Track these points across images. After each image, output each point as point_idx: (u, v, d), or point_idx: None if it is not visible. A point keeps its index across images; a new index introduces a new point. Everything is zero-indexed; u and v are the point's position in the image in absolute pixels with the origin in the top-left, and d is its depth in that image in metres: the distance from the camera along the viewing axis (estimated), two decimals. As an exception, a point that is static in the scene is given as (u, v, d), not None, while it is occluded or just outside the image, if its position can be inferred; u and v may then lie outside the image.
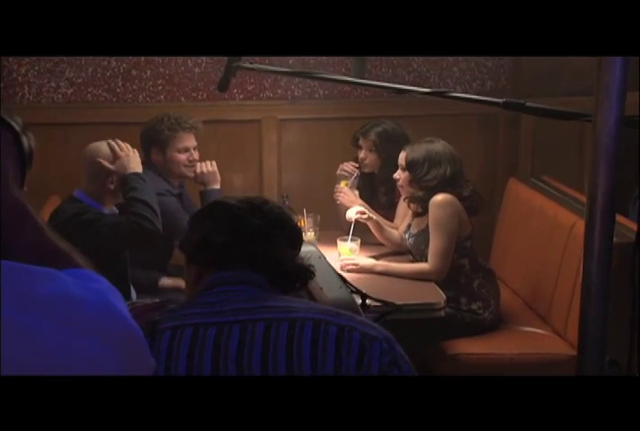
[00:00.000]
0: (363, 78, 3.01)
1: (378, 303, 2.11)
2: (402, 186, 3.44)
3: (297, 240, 1.74)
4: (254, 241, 1.65)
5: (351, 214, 3.51)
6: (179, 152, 3.55)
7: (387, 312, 1.96)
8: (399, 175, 3.41)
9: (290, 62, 4.17)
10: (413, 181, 3.36)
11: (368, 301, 2.00)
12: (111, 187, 3.15)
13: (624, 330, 1.30)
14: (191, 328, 1.54)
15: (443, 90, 1.92)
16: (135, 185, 3.06)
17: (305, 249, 1.80)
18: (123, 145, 3.18)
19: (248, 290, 1.61)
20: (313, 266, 1.71)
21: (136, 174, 3.09)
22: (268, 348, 1.50)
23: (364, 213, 3.53)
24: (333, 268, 1.86)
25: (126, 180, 3.08)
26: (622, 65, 1.29)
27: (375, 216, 3.59)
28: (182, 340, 1.53)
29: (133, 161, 3.14)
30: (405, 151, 3.38)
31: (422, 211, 3.39)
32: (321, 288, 1.75)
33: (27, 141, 1.18)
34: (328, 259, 3.43)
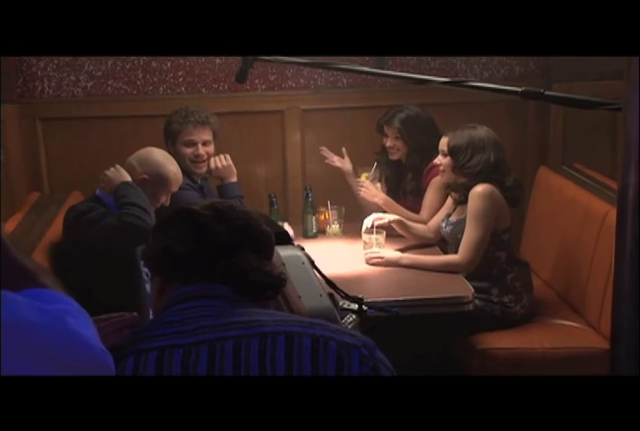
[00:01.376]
0: (383, 69, 2.97)
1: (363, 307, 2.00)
2: (443, 171, 3.38)
3: (266, 246, 1.64)
4: (219, 251, 1.57)
5: (368, 222, 3.45)
6: (185, 145, 3.52)
7: (385, 319, 1.87)
8: (440, 161, 3.36)
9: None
10: (455, 168, 3.30)
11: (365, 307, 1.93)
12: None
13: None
14: (155, 351, 1.45)
15: (461, 79, 1.88)
16: (123, 192, 3.04)
17: (290, 253, 1.74)
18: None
19: (214, 305, 1.53)
20: (284, 273, 1.62)
21: (124, 183, 3.07)
22: (240, 368, 1.42)
23: (382, 218, 3.47)
24: (316, 275, 1.75)
25: (116, 191, 3.06)
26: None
27: (394, 217, 3.52)
28: (147, 366, 1.44)
29: (120, 172, 3.12)
30: (447, 136, 3.33)
31: (463, 199, 3.32)
32: (299, 297, 1.65)
33: None
34: (353, 251, 3.47)
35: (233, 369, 1.41)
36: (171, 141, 3.53)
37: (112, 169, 3.13)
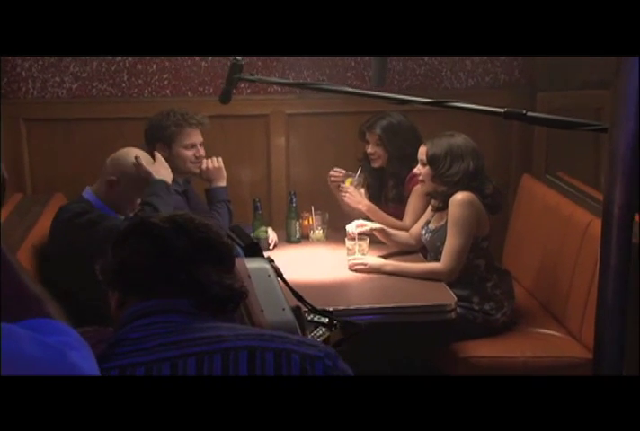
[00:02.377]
0: (384, 78, 2.97)
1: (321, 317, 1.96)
2: (423, 181, 3.37)
3: (227, 259, 1.62)
4: (179, 265, 1.54)
5: (352, 228, 3.45)
6: (185, 148, 3.49)
7: (352, 334, 1.86)
8: (419, 170, 3.35)
9: (299, 59, 4.11)
10: (435, 177, 3.30)
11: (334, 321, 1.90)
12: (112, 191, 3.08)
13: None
14: (116, 370, 1.42)
15: (443, 100, 1.88)
16: (160, 193, 3.00)
17: (257, 266, 1.72)
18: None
19: (174, 320, 1.50)
20: (244, 286, 1.60)
21: (164, 183, 3.04)
22: None
23: (364, 225, 3.47)
24: (281, 288, 1.73)
25: (151, 184, 3.02)
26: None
27: (377, 225, 3.52)
28: None
29: (167, 169, 3.14)
30: (426, 145, 3.32)
31: (442, 206, 3.32)
32: (262, 310, 1.64)
33: None
34: (337, 257, 3.46)
35: None
36: (165, 144, 3.46)
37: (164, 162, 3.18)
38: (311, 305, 1.86)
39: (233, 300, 1.58)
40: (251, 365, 1.41)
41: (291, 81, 2.67)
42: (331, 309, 1.90)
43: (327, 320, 1.86)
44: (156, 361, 1.42)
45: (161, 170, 3.18)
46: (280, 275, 1.78)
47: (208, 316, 1.54)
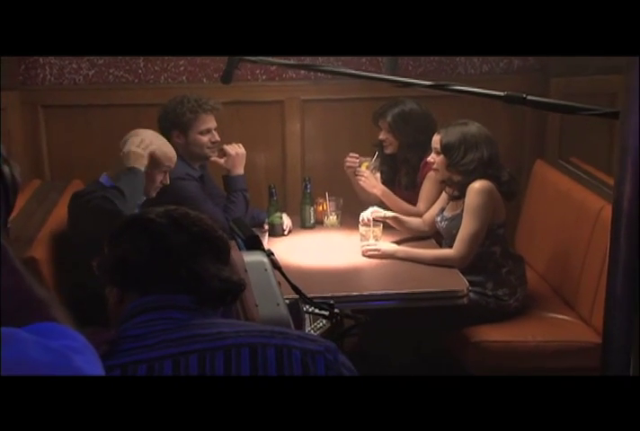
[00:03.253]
0: (397, 65, 2.96)
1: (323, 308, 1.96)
2: (437, 169, 3.36)
3: (223, 252, 1.61)
4: (177, 260, 1.53)
5: (366, 214, 3.45)
6: (201, 134, 3.51)
7: (353, 326, 1.85)
8: (433, 159, 3.34)
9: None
10: (449, 165, 3.29)
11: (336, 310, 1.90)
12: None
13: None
14: (118, 368, 1.40)
15: (445, 83, 1.86)
16: (122, 176, 3.02)
17: (254, 259, 1.70)
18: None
19: (175, 316, 1.48)
20: (242, 279, 1.59)
21: (130, 168, 3.05)
22: None
23: (378, 212, 3.48)
24: (276, 283, 1.71)
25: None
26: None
27: (390, 213, 3.53)
28: None
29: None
30: (439, 134, 3.31)
31: (458, 195, 3.32)
32: (256, 305, 1.63)
33: (10, 172, 1.09)
34: (350, 243, 3.47)
35: None
36: (181, 132, 3.49)
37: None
38: (309, 299, 1.84)
39: (231, 292, 1.57)
40: (253, 361, 1.40)
41: (293, 62, 2.68)
42: (332, 301, 1.88)
43: (328, 312, 1.85)
44: (158, 358, 1.41)
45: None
46: (278, 268, 1.77)
47: (208, 311, 1.53)
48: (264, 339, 1.44)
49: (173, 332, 1.45)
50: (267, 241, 3.45)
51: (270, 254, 1.78)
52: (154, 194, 3.17)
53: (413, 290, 3.07)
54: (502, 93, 1.87)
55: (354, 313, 1.97)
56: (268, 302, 1.62)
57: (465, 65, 4.26)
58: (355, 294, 3.06)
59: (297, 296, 1.82)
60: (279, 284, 1.73)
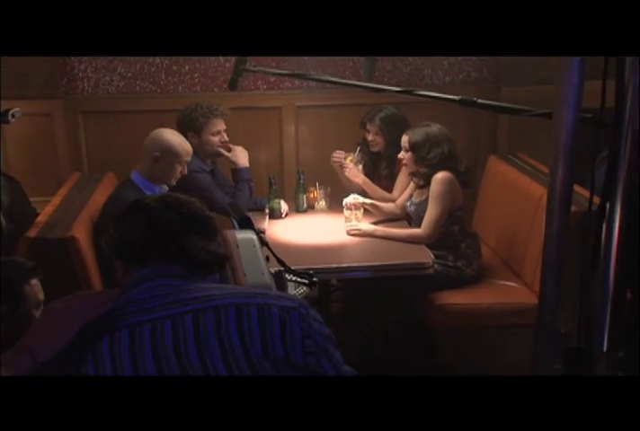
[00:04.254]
0: (372, 77, 2.95)
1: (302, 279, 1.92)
2: (406, 164, 3.35)
3: (209, 229, 1.58)
4: (169, 237, 1.51)
5: (349, 200, 3.44)
6: (213, 135, 3.49)
7: (329, 292, 1.83)
8: (403, 155, 3.33)
9: (306, 59, 4.08)
10: (416, 160, 3.28)
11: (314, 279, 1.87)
12: (155, 167, 3.13)
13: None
14: (127, 328, 1.40)
15: (411, 89, 1.90)
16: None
17: (244, 236, 1.67)
18: None
19: (171, 283, 1.47)
20: (226, 252, 1.58)
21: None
22: (200, 338, 1.38)
23: (358, 198, 3.46)
24: (262, 256, 1.68)
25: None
26: (579, 70, 1.21)
27: (369, 200, 3.51)
28: (122, 343, 1.39)
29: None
30: (408, 134, 3.29)
31: (423, 184, 3.31)
32: (245, 275, 1.60)
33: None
34: (336, 224, 3.47)
35: (195, 339, 1.38)
36: (195, 133, 3.46)
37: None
38: (292, 269, 1.83)
39: (217, 262, 1.56)
40: (238, 318, 1.40)
41: (287, 72, 2.72)
42: (311, 271, 1.86)
43: (307, 280, 1.83)
44: (159, 318, 1.40)
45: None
46: (265, 244, 1.75)
47: (199, 278, 1.51)
48: (248, 299, 1.43)
49: (170, 296, 1.44)
50: (267, 223, 3.44)
51: (259, 232, 1.76)
52: (174, 182, 3.15)
53: (388, 262, 3.07)
54: (457, 97, 1.88)
55: (327, 282, 1.94)
56: (254, 271, 1.60)
57: (431, 76, 4.24)
58: (341, 265, 3.05)
59: (282, 267, 1.81)
60: (266, 257, 1.70)
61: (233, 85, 2.54)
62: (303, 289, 1.79)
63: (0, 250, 2.99)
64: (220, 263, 1.57)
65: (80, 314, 1.38)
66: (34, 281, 1.74)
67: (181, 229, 1.52)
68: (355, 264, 3.08)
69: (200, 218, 1.57)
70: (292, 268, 1.83)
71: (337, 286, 1.88)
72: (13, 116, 1.59)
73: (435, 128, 3.27)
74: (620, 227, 1.13)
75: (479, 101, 1.81)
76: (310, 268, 2.93)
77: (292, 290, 1.77)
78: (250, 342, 1.38)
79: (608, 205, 1.15)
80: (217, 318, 1.40)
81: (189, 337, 1.38)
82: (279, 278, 1.69)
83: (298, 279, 1.82)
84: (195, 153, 3.38)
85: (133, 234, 1.52)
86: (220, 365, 1.36)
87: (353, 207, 3.39)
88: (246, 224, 1.80)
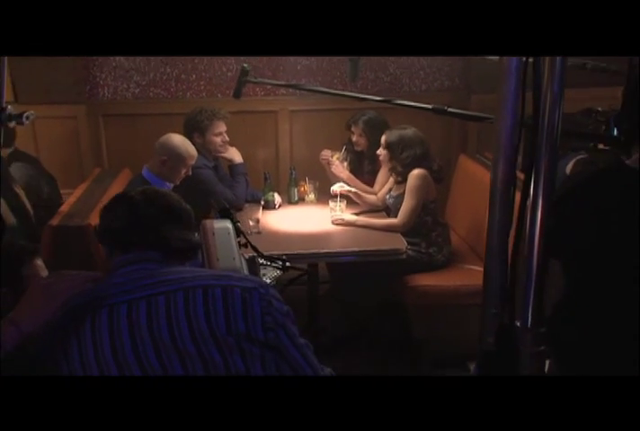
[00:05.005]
0: (356, 78, 2.93)
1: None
2: (383, 161, 3.30)
3: (184, 220, 1.54)
4: (147, 226, 1.47)
5: (335, 187, 3.39)
6: (215, 135, 3.43)
7: (299, 275, 1.79)
8: (380, 152, 3.27)
9: (298, 67, 4.02)
10: (391, 158, 3.22)
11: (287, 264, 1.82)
12: (163, 167, 3.09)
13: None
14: (107, 308, 1.37)
15: (390, 98, 1.89)
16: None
17: (220, 226, 1.62)
18: None
19: (147, 267, 1.43)
20: (199, 240, 1.55)
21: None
22: (171, 316, 1.34)
23: (343, 186, 3.41)
24: (235, 243, 1.63)
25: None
26: (516, 77, 1.15)
27: (354, 188, 3.45)
28: (101, 323, 1.35)
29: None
30: (385, 135, 3.24)
31: (400, 180, 3.25)
32: (218, 259, 1.56)
33: None
34: (323, 214, 3.42)
35: (166, 318, 1.35)
36: (200, 134, 3.40)
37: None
38: (264, 255, 1.79)
39: (191, 249, 1.53)
40: (205, 298, 1.36)
41: (282, 82, 2.69)
42: (284, 256, 1.81)
43: (281, 264, 1.79)
44: (135, 299, 1.37)
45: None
46: (241, 232, 1.70)
47: (175, 263, 1.48)
48: (213, 281, 1.39)
49: (146, 279, 1.41)
50: (261, 213, 3.40)
51: (235, 222, 1.71)
52: (178, 182, 3.11)
53: (367, 248, 3.02)
54: (430, 106, 1.85)
55: (295, 265, 1.89)
56: (226, 256, 1.56)
57: (409, 85, 4.16)
58: (326, 251, 3.01)
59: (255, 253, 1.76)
60: (239, 244, 1.66)
61: (237, 94, 2.54)
62: (277, 272, 1.75)
63: (28, 235, 2.97)
64: (193, 250, 1.53)
65: (62, 291, 1.36)
66: (38, 262, 1.70)
67: (157, 219, 1.49)
68: (338, 249, 3.03)
69: (176, 210, 1.54)
70: (267, 254, 1.78)
71: (306, 270, 1.83)
72: (27, 118, 1.55)
73: (410, 132, 3.21)
74: (542, 214, 1.09)
75: (449, 109, 1.81)
76: (299, 253, 2.93)
77: (269, 273, 1.72)
78: (215, 320, 1.34)
79: (531, 193, 1.11)
80: (186, 298, 1.36)
81: (161, 316, 1.35)
82: (252, 263, 1.65)
83: (271, 263, 1.77)
84: (199, 151, 3.34)
85: (115, 223, 1.49)
86: (188, 341, 1.33)
87: (338, 198, 3.34)
88: (225, 215, 1.75)
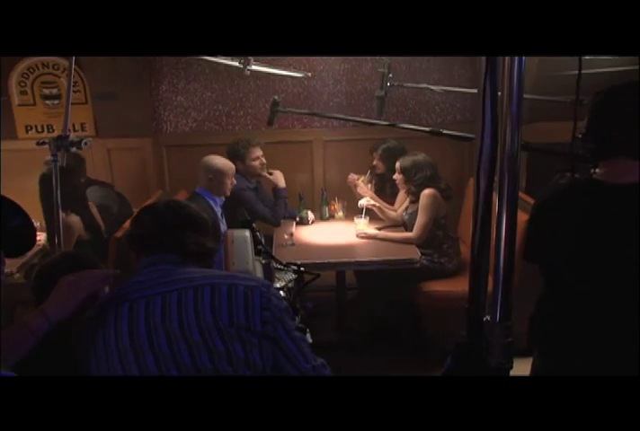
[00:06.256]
0: (382, 112, 2.97)
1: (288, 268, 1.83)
2: (399, 183, 3.31)
3: (202, 227, 1.53)
4: (167, 232, 1.48)
5: (362, 202, 3.43)
6: (253, 160, 3.50)
7: (312, 279, 1.78)
8: (396, 177, 3.29)
9: (330, 104, 4.06)
10: (406, 181, 3.25)
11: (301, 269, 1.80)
12: (213, 184, 3.21)
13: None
14: (128, 303, 1.39)
15: (395, 123, 1.90)
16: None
17: (239, 234, 1.60)
18: None
19: (166, 268, 1.44)
20: (214, 247, 1.53)
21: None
22: (181, 309, 1.36)
23: (369, 201, 3.43)
24: (251, 249, 1.60)
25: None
26: (491, 106, 1.15)
27: (378, 204, 3.46)
28: (122, 316, 1.37)
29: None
30: (399, 161, 3.27)
31: (415, 199, 3.27)
32: (233, 263, 1.55)
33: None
34: (349, 229, 3.42)
35: (177, 311, 1.35)
36: (240, 160, 3.48)
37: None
38: (280, 261, 1.79)
39: (206, 253, 1.52)
40: (212, 295, 1.36)
41: (308, 111, 2.72)
42: (299, 262, 1.81)
43: (296, 268, 1.78)
44: (152, 295, 1.39)
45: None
46: (259, 242, 1.71)
47: (191, 265, 1.48)
48: (220, 280, 1.40)
49: (162, 278, 1.42)
50: (295, 227, 3.43)
51: (256, 231, 1.71)
52: (228, 193, 3.23)
53: (386, 258, 3.04)
54: (427, 129, 1.86)
55: (319, 267, 1.87)
56: (241, 260, 1.56)
57: (426, 118, 4.18)
58: (351, 260, 3.04)
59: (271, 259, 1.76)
60: (259, 251, 1.67)
61: (271, 122, 2.66)
62: (292, 276, 1.75)
63: (98, 247, 3.06)
64: (209, 255, 1.53)
65: (86, 286, 1.37)
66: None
67: (177, 226, 1.49)
68: (361, 259, 3.05)
69: (195, 218, 1.53)
70: (289, 261, 1.79)
71: (318, 274, 1.81)
72: (85, 144, 1.61)
73: (420, 157, 3.23)
74: (507, 219, 1.09)
75: (444, 131, 1.81)
76: (328, 262, 2.94)
77: (284, 276, 1.73)
78: (219, 312, 1.35)
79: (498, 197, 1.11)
80: (196, 294, 1.37)
81: (173, 309, 1.36)
82: (267, 267, 1.66)
83: (285, 268, 1.78)
84: (242, 175, 3.40)
85: (141, 229, 1.50)
86: (195, 331, 1.34)
87: (363, 211, 3.37)
88: (245, 225, 1.77)
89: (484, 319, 1.13)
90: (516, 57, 1.01)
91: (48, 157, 1.83)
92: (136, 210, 3.49)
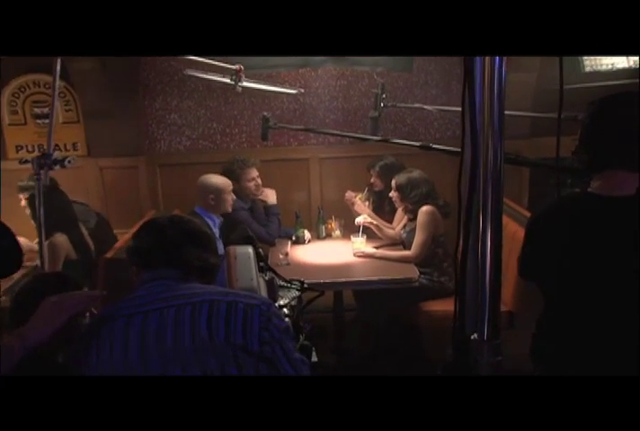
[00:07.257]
0: (377, 130, 2.98)
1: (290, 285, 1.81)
2: (395, 201, 3.31)
3: (204, 243, 1.53)
4: (169, 247, 1.47)
5: (359, 219, 3.42)
6: (248, 181, 3.52)
7: (315, 296, 1.77)
8: (392, 194, 3.29)
9: (327, 121, 4.08)
10: (402, 199, 3.25)
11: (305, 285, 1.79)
12: (212, 203, 3.23)
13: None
14: (125, 317, 1.38)
15: (388, 138, 1.92)
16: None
17: (242, 251, 1.60)
18: None
19: (166, 283, 1.44)
20: (216, 263, 1.52)
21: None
22: (178, 326, 1.34)
23: (367, 218, 3.43)
24: (254, 266, 1.60)
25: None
26: (479, 119, 1.16)
27: (375, 221, 3.46)
28: (118, 330, 1.37)
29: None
30: (395, 179, 3.27)
31: (412, 217, 3.27)
32: (237, 280, 1.54)
33: None
34: (347, 248, 3.42)
35: (174, 326, 1.35)
36: (235, 181, 3.49)
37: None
38: (284, 278, 1.78)
39: (209, 269, 1.52)
40: (210, 312, 1.36)
41: (302, 127, 2.76)
42: (303, 279, 1.79)
43: (299, 286, 1.77)
44: (150, 310, 1.38)
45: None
46: (260, 258, 1.69)
47: (194, 280, 1.47)
48: (220, 297, 1.39)
49: (162, 293, 1.42)
50: (290, 247, 3.42)
51: (258, 247, 1.70)
52: (230, 209, 3.26)
53: (384, 277, 3.02)
54: (418, 143, 1.87)
55: (315, 287, 1.87)
56: (244, 277, 1.55)
57: (424, 134, 4.22)
58: (348, 280, 3.02)
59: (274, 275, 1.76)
60: (261, 268, 1.67)
61: (265, 137, 2.69)
62: (295, 293, 1.75)
63: (86, 267, 3.06)
64: (212, 270, 1.52)
65: (68, 307, 1.36)
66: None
67: (179, 241, 1.49)
68: (358, 278, 3.04)
69: (197, 233, 1.53)
70: (290, 278, 1.78)
71: (322, 291, 1.81)
72: (69, 162, 1.62)
73: (415, 173, 3.24)
74: (492, 234, 1.08)
75: (434, 146, 1.82)
76: (324, 282, 2.93)
77: (287, 293, 1.72)
78: (216, 331, 1.34)
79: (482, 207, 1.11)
80: (193, 311, 1.36)
81: (169, 325, 1.35)
82: (270, 284, 1.65)
83: (289, 285, 1.77)
84: (237, 195, 3.42)
85: (143, 244, 1.50)
86: (189, 349, 1.33)
87: (361, 228, 3.36)
88: (247, 241, 1.77)
89: (472, 337, 1.12)
90: (496, 67, 1.01)
91: (22, 180, 1.81)
92: (126, 231, 3.58)
